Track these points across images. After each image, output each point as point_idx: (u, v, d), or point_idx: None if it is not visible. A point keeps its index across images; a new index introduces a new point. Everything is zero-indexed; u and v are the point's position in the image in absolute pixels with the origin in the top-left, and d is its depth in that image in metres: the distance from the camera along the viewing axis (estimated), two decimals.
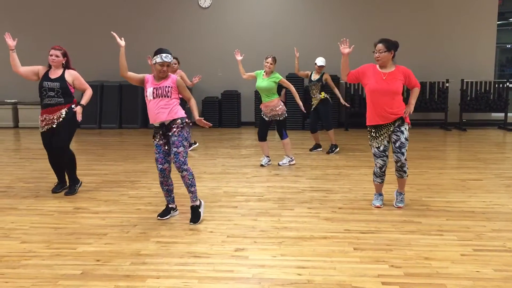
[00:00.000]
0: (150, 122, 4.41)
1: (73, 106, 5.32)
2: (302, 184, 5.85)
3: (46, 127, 5.28)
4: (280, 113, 6.70)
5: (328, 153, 7.84)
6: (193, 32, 11.63)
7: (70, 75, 5.31)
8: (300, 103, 6.94)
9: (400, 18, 11.22)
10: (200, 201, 4.54)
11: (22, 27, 11.88)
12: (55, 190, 5.50)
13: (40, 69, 5.34)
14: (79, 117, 5.27)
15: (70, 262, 3.53)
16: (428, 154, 7.77)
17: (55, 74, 5.27)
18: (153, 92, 4.27)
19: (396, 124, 4.63)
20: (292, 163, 6.98)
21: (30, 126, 11.37)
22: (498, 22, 11.42)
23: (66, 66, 5.35)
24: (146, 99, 4.35)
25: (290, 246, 3.84)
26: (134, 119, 11.55)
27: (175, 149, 4.28)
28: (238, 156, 7.76)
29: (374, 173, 4.87)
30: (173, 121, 4.30)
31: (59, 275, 3.31)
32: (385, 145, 4.70)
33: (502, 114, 10.90)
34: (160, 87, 4.28)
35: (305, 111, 7.27)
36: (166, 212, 4.56)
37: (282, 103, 6.77)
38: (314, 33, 11.37)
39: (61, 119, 5.23)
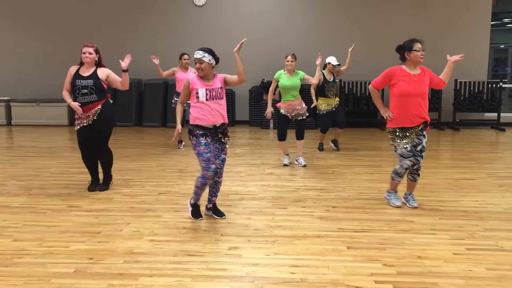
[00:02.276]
0: (201, 123, 4.23)
1: (110, 100, 5.34)
2: (296, 183, 5.86)
3: (81, 124, 5.24)
4: (303, 112, 6.68)
5: (337, 149, 8.09)
6: (188, 30, 11.60)
7: (103, 72, 5.29)
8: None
9: (395, 18, 11.25)
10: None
11: (18, 25, 11.84)
12: (92, 189, 5.46)
13: (71, 70, 5.26)
14: (127, 59, 5.25)
15: (63, 260, 3.52)
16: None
17: (87, 71, 5.21)
18: (207, 94, 4.20)
19: (420, 127, 4.63)
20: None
21: (23, 123, 11.31)
22: (492, 23, 11.47)
23: (99, 63, 5.32)
24: (195, 99, 4.23)
25: (284, 244, 3.84)
26: (128, 117, 11.49)
27: (223, 156, 4.39)
28: (232, 155, 7.75)
29: (398, 173, 4.76)
30: (224, 124, 4.34)
31: (52, 273, 3.30)
32: (412, 145, 4.65)
33: (495, 114, 10.95)
34: (213, 88, 4.23)
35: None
36: (199, 212, 4.51)
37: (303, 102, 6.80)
38: (310, 32, 11.36)
39: (97, 115, 5.22)
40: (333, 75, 7.83)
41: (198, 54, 4.20)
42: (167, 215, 4.58)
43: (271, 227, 4.26)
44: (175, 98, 8.18)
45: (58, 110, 11.32)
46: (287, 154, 6.95)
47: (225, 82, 4.34)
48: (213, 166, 4.19)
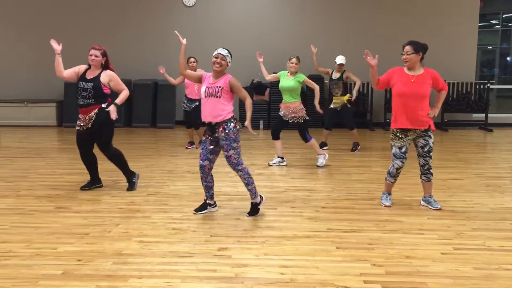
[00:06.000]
0: (202, 120, 4.51)
1: (103, 105, 5.27)
2: (286, 184, 5.87)
3: (82, 126, 5.28)
4: (300, 115, 6.63)
5: (353, 150, 8.04)
6: (177, 31, 11.52)
7: (107, 76, 5.27)
8: (317, 105, 6.74)
9: (383, 18, 11.27)
10: (261, 196, 4.64)
11: (6, 24, 11.72)
12: (83, 187, 5.47)
13: (81, 68, 5.31)
14: (113, 116, 5.24)
15: (51, 262, 3.49)
16: (410, 154, 7.79)
17: (91, 74, 5.24)
18: (205, 91, 4.38)
19: (423, 129, 4.65)
20: (326, 158, 6.83)
21: (9, 124, 11.12)
22: (479, 24, 11.58)
23: (105, 66, 5.31)
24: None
25: (273, 245, 3.85)
26: (118, 118, 11.38)
27: (225, 153, 4.48)
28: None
29: (389, 173, 4.84)
30: (219, 123, 4.39)
31: (40, 275, 3.27)
32: (406, 147, 4.71)
33: (483, 115, 11.04)
34: (212, 86, 4.37)
35: (321, 111, 6.95)
36: (203, 207, 4.66)
37: (302, 106, 6.73)
38: (300, 33, 11.33)
39: (92, 120, 5.24)
40: (342, 74, 7.83)
41: (224, 51, 4.36)
42: (156, 216, 4.57)
43: (261, 227, 4.27)
44: (185, 101, 8.14)
45: (46, 110, 11.20)
46: (280, 157, 6.88)
47: (231, 87, 4.39)
48: (200, 162, 4.53)
